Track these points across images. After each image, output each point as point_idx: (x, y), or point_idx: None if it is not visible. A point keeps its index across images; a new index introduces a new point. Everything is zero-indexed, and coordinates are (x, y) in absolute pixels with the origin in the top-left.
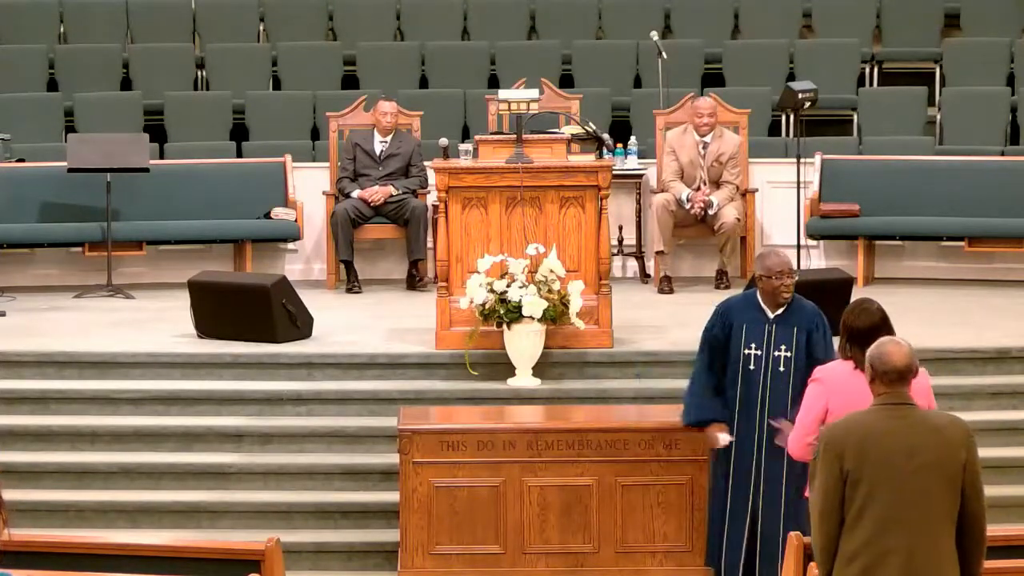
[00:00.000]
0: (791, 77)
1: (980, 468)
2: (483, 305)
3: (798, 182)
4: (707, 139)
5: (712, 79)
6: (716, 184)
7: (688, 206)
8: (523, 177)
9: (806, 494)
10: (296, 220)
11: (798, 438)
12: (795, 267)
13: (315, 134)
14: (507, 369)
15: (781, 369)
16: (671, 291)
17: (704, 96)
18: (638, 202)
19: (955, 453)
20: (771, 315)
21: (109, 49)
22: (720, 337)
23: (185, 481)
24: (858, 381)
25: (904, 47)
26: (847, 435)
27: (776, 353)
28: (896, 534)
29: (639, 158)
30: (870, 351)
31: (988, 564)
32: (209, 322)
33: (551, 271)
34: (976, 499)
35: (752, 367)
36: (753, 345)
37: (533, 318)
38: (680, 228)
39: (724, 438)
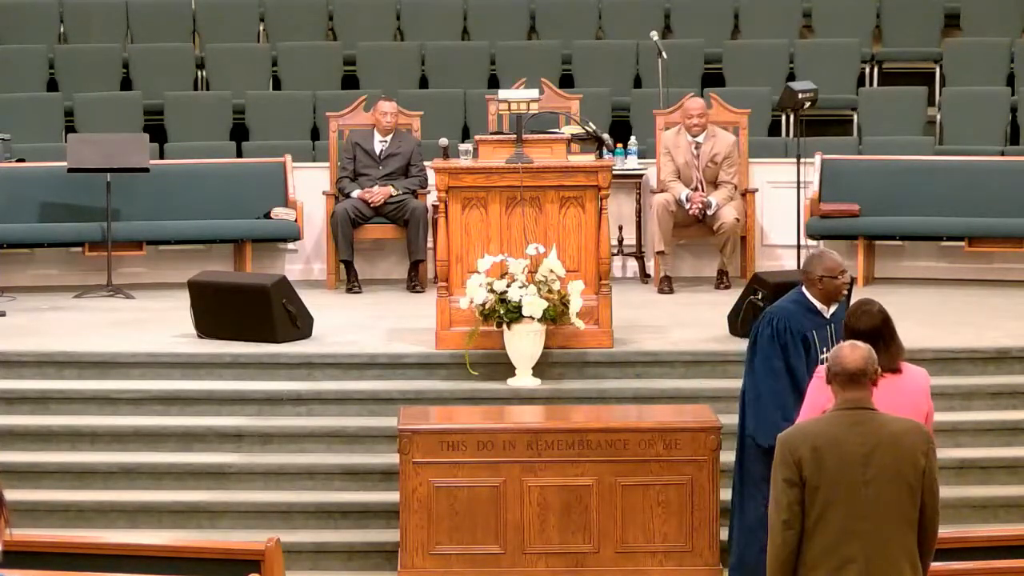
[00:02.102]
0: (791, 77)
1: (938, 474)
2: (483, 305)
3: (798, 182)
4: (699, 139)
5: (712, 79)
6: (713, 184)
7: (687, 206)
8: (523, 177)
9: None
10: (296, 220)
11: None
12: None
13: (315, 134)
14: (507, 369)
15: None
16: (671, 291)
17: (695, 96)
18: (638, 202)
19: (914, 460)
20: (827, 315)
21: (109, 49)
22: (800, 351)
23: (185, 481)
24: None
25: (904, 47)
26: (803, 442)
27: None
28: (855, 542)
29: (639, 158)
30: (830, 353)
31: (989, 564)
32: (209, 322)
33: (551, 271)
34: (933, 505)
35: None
36: (824, 349)
37: (533, 318)
38: (680, 228)
39: None
